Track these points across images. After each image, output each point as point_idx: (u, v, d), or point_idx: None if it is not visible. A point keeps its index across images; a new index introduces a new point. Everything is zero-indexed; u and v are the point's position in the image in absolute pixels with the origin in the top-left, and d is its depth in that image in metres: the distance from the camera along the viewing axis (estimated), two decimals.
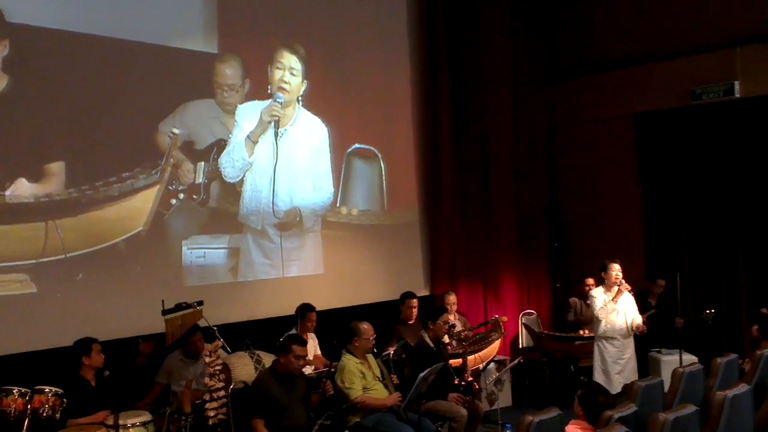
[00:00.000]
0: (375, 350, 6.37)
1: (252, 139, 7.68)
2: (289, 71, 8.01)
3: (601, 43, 9.73)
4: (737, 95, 8.45)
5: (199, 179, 7.32)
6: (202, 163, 7.34)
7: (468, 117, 9.37)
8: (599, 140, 9.85)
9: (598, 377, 7.31)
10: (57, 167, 6.37)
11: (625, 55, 9.46)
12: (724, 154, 8.72)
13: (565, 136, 10.19)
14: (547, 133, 10.22)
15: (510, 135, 9.71)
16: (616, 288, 7.37)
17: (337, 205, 8.51)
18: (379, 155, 8.91)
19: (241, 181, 7.63)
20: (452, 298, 8.32)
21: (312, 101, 8.22)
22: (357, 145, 8.69)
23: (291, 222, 8.03)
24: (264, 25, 7.87)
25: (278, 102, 7.88)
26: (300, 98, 8.13)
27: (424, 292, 9.03)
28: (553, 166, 10.26)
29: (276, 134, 7.85)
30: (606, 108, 9.72)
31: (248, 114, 7.69)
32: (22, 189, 6.17)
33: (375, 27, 8.89)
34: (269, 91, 7.89)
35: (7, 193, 6.09)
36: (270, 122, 7.83)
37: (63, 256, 6.37)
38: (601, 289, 7.53)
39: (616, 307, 7.35)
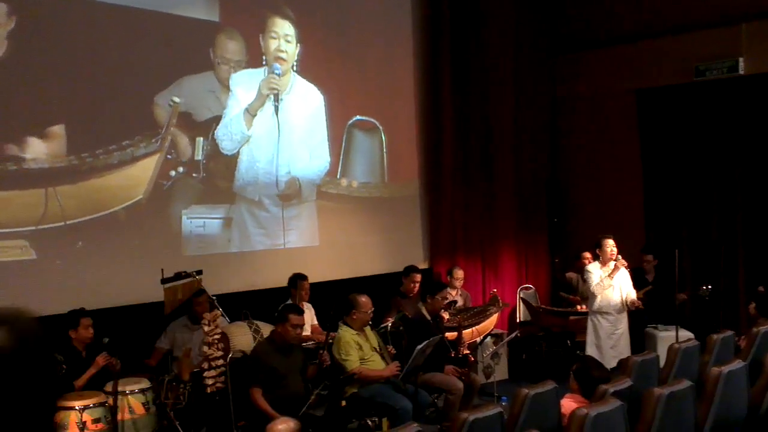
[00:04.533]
0: (371, 323, 6.39)
1: (251, 113, 7.59)
2: (284, 39, 7.87)
3: (605, 17, 9.64)
4: (741, 72, 8.39)
5: (198, 155, 7.27)
6: (201, 138, 7.29)
7: (470, 89, 9.30)
8: (601, 115, 9.80)
9: (591, 351, 7.33)
10: (57, 134, 6.34)
11: (629, 30, 9.38)
12: (726, 131, 8.69)
13: (567, 110, 10.15)
14: (550, 107, 10.17)
15: (512, 108, 9.67)
16: (612, 264, 7.38)
17: (337, 176, 8.48)
18: (381, 127, 8.86)
19: (238, 153, 7.57)
20: (460, 273, 8.33)
21: (311, 70, 8.12)
22: (358, 117, 8.64)
23: (293, 193, 7.98)
24: None
25: (276, 73, 7.79)
26: (295, 65, 8.01)
27: (423, 265, 9.01)
28: (555, 140, 10.23)
29: (276, 108, 7.75)
30: (609, 83, 9.66)
31: (242, 83, 7.58)
32: (23, 155, 6.15)
33: None
34: (264, 62, 7.76)
35: (8, 159, 6.07)
36: (268, 95, 7.74)
37: (63, 224, 6.37)
38: (597, 264, 7.53)
39: (612, 283, 7.37)
